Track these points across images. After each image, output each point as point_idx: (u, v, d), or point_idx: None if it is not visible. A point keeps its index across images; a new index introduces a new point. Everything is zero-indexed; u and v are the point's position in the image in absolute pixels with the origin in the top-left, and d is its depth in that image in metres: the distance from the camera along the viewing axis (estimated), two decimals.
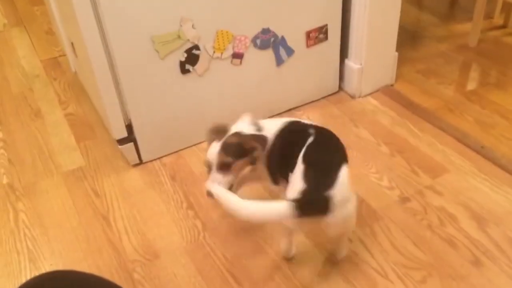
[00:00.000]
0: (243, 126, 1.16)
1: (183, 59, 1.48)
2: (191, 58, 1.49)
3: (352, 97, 1.86)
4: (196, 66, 1.52)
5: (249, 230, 1.34)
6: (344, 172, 1.03)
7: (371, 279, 1.19)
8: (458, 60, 2.08)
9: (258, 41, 1.59)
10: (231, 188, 1.14)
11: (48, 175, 1.60)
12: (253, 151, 1.13)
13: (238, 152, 1.12)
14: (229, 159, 1.11)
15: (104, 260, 1.29)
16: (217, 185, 1.10)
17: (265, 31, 1.58)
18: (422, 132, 1.66)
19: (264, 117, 1.72)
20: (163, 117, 1.54)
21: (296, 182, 1.03)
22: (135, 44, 1.38)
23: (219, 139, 1.14)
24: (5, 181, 1.59)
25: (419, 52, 2.14)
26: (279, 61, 1.67)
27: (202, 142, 1.67)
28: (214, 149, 1.14)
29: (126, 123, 1.51)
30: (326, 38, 1.72)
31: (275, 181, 1.17)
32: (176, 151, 1.64)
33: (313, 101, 1.84)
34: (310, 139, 1.09)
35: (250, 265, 1.25)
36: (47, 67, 2.19)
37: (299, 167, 1.04)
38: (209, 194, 1.09)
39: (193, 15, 1.42)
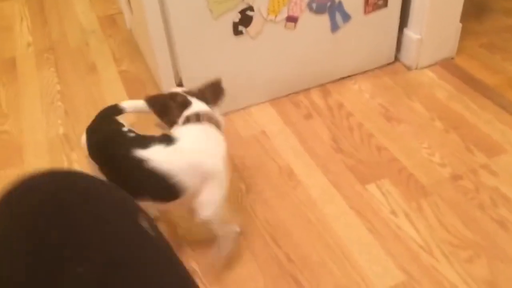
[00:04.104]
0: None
1: (236, 20, 1.46)
2: (245, 19, 1.47)
3: (408, 68, 1.78)
4: (249, 28, 1.50)
5: (293, 196, 1.34)
6: None
7: (415, 254, 1.16)
8: None
9: (314, 5, 1.54)
10: None
11: None
12: None
13: None
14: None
15: None
16: None
17: None
18: (481, 109, 1.57)
19: (315, 86, 1.71)
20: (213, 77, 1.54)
21: None
22: (190, 2, 1.38)
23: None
24: (61, 131, 1.66)
25: (484, 25, 2.01)
26: (334, 27, 1.62)
27: (251, 106, 1.66)
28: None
29: (177, 82, 1.53)
30: (385, 5, 1.64)
31: None
32: (225, 113, 1.64)
33: (366, 71, 1.78)
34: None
35: (292, 230, 1.25)
36: (103, 24, 2.23)
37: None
38: None
39: None
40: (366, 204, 1.30)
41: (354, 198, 1.32)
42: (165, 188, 1.00)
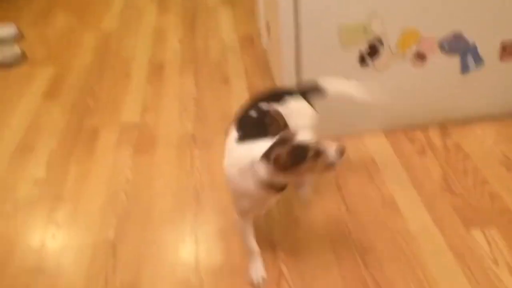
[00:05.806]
0: None
1: (364, 51, 1.53)
2: (372, 51, 1.53)
3: None
4: (376, 61, 1.55)
5: (391, 226, 1.35)
6: None
7: None
8: None
9: (446, 45, 1.54)
10: None
11: (222, 135, 1.82)
12: None
13: None
14: None
15: None
16: None
17: (456, 35, 1.53)
18: None
19: (434, 123, 1.69)
20: (332, 102, 1.61)
21: None
22: (323, 30, 1.48)
23: None
24: (190, 131, 1.86)
25: None
26: (465, 69, 1.60)
27: (364, 133, 1.70)
28: None
29: None
30: None
31: None
32: (338, 136, 1.70)
33: (493, 117, 1.71)
34: None
35: (384, 257, 1.27)
36: (242, 42, 2.46)
37: None
38: None
39: (384, 10, 1.46)
40: (468, 249, 1.26)
41: (455, 240, 1.29)
42: None
